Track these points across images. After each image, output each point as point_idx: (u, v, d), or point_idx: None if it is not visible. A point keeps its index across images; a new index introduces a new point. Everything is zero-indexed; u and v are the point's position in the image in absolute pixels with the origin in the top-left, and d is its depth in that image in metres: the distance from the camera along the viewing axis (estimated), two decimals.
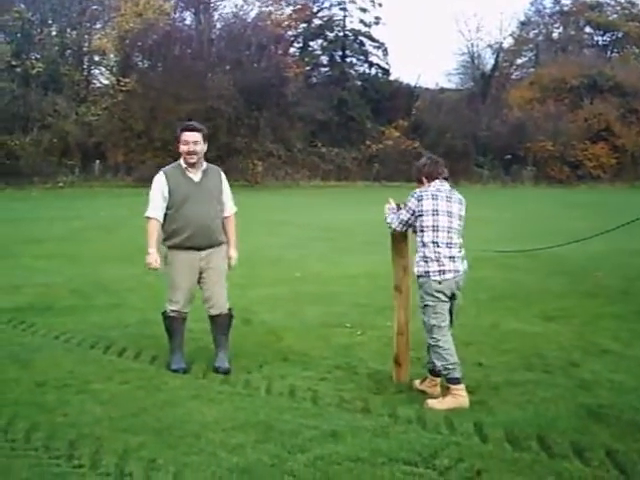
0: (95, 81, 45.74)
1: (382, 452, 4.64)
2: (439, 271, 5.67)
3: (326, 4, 54.75)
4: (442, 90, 58.36)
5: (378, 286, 9.75)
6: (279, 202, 30.91)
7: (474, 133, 49.62)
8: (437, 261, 5.68)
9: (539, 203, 32.57)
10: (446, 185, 5.94)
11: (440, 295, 5.69)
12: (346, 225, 20.47)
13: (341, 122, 48.34)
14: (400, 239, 6.21)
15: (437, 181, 5.92)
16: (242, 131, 42.91)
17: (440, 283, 5.67)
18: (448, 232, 5.74)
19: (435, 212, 5.72)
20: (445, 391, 5.76)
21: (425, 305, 5.73)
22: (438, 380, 5.92)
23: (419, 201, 5.74)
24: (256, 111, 43.33)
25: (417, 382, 6.06)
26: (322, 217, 23.27)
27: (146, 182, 31.19)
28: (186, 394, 5.75)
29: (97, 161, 39.04)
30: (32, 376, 6.14)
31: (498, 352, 7.15)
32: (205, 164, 6.43)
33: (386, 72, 55.25)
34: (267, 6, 52.51)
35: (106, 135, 39.84)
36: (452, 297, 5.79)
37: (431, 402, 5.64)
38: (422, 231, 5.74)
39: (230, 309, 6.62)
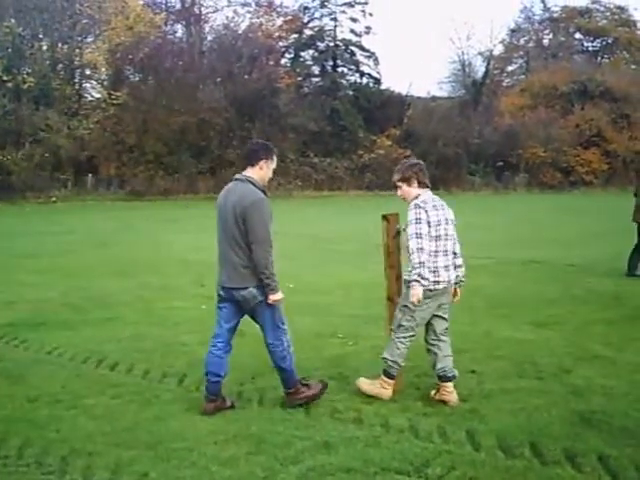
0: (87, 95, 45.72)
1: (374, 462, 4.65)
2: (433, 281, 5.71)
3: (317, 14, 55.03)
4: (433, 98, 58.53)
5: (371, 296, 9.76)
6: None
7: (466, 141, 49.75)
8: (434, 272, 5.71)
9: (532, 209, 32.65)
10: (431, 193, 5.95)
11: (426, 303, 5.74)
12: (339, 235, 20.49)
13: (333, 132, 48.39)
14: (392, 250, 6.22)
15: (428, 190, 5.92)
16: (234, 143, 42.92)
17: (431, 291, 5.71)
18: (445, 240, 5.78)
19: (438, 222, 5.73)
20: (376, 377, 6.00)
21: (405, 305, 5.81)
22: (451, 385, 5.92)
23: (427, 212, 5.70)
24: (248, 122, 43.36)
25: (432, 393, 6.05)
26: (315, 227, 23.29)
27: (138, 195, 30.98)
28: (178, 408, 5.75)
29: (89, 175, 38.99)
30: (25, 392, 6.13)
31: (491, 359, 7.17)
32: None
33: (377, 81, 55.40)
34: (258, 17, 52.66)
35: (98, 149, 39.79)
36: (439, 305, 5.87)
37: (361, 380, 6.06)
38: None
39: None
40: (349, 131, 49.17)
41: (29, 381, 6.45)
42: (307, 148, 47.12)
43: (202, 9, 51.23)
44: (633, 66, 67.00)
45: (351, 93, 52.90)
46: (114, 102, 40.81)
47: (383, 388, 5.94)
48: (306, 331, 8.47)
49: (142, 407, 5.77)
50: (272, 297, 5.53)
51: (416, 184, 5.89)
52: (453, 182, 47.91)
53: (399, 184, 5.96)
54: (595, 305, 10.16)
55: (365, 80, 55.30)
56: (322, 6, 54.38)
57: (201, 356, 7.32)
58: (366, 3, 54.24)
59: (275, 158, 5.87)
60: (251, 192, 5.59)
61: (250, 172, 5.71)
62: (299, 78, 52.62)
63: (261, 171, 5.73)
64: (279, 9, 54.58)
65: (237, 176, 5.73)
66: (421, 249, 5.63)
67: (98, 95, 44.91)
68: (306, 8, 55.03)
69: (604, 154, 53.41)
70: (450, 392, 5.90)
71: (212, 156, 41.73)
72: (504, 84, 68.21)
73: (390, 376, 5.92)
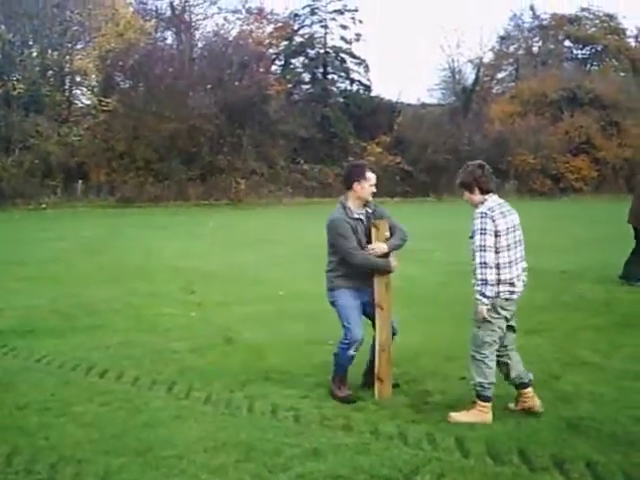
0: (77, 102, 45.49)
1: (363, 469, 4.65)
2: (509, 291, 5.63)
3: (307, 22, 54.94)
4: (424, 105, 58.54)
5: None
6: (262, 220, 30.88)
7: (456, 148, 49.69)
8: (510, 284, 5.61)
9: (522, 216, 32.55)
10: (497, 197, 5.78)
11: (504, 312, 5.64)
12: None
13: (324, 139, 48.32)
14: (382, 257, 6.23)
15: (494, 195, 5.78)
16: (224, 149, 42.88)
17: (507, 300, 5.63)
18: (519, 247, 5.70)
19: (507, 230, 5.61)
20: (470, 405, 5.72)
21: (485, 320, 5.62)
22: (531, 390, 5.81)
23: (494, 221, 5.56)
24: (238, 129, 43.33)
25: (511, 405, 5.90)
26: (306, 234, 23.23)
27: (128, 201, 30.77)
28: (168, 415, 5.74)
29: (79, 181, 38.84)
30: (13, 399, 6.11)
31: None
32: None
33: (368, 88, 55.35)
34: (248, 25, 52.63)
35: (88, 155, 39.61)
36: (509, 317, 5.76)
37: (455, 415, 5.63)
38: (497, 252, 5.55)
39: None
40: (339, 138, 49.14)
41: (18, 388, 6.44)
42: (297, 155, 47.07)
43: (192, 16, 51.12)
44: (622, 74, 67.18)
45: (341, 100, 52.86)
46: (104, 109, 40.71)
47: (484, 413, 5.61)
48: (296, 338, 8.49)
49: (131, 414, 5.76)
50: (393, 267, 6.30)
51: (477, 191, 5.79)
52: (443, 189, 47.88)
53: (461, 190, 5.88)
54: (585, 312, 10.19)
55: (355, 87, 55.27)
56: (312, 13, 54.39)
57: (191, 363, 7.35)
58: (356, 10, 54.25)
59: (368, 174, 6.55)
60: (332, 213, 6.42)
61: (347, 194, 6.49)
62: (289, 85, 52.55)
63: (355, 193, 6.43)
64: (269, 16, 54.54)
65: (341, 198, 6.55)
66: (484, 264, 5.50)
67: (88, 102, 44.76)
68: (296, 15, 55.01)
69: (593, 161, 53.51)
70: (531, 397, 5.79)
71: (202, 163, 41.66)
72: (494, 91, 68.29)
73: (487, 399, 5.62)
